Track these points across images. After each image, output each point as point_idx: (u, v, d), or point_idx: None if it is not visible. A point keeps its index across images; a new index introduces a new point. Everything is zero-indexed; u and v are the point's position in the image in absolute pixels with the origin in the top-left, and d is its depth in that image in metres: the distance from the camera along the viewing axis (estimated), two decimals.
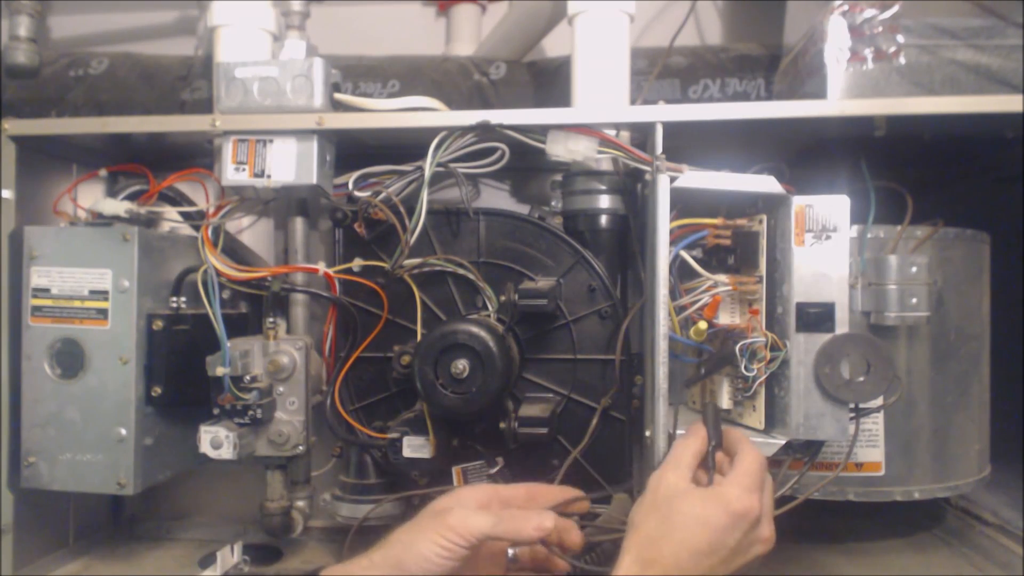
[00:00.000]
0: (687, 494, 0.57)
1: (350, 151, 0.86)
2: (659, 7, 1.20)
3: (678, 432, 0.68)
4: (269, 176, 0.80)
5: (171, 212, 0.92)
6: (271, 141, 0.80)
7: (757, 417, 0.71)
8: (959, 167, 1.02)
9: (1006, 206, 0.98)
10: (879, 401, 0.70)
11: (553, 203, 0.89)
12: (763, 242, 0.70)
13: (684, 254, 0.72)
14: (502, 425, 0.78)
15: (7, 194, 0.82)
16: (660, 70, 0.95)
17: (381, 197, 0.81)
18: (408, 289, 0.83)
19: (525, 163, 0.87)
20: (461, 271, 0.83)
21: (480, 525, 0.56)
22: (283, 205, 0.91)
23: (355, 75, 0.98)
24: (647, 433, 0.72)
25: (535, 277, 0.84)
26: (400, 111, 0.82)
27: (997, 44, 0.76)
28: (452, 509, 0.58)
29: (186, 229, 0.93)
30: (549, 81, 0.99)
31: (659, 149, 0.74)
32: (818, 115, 0.75)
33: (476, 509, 0.59)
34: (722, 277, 0.71)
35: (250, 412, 0.79)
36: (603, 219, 0.85)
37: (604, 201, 0.85)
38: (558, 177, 0.90)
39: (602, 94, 0.82)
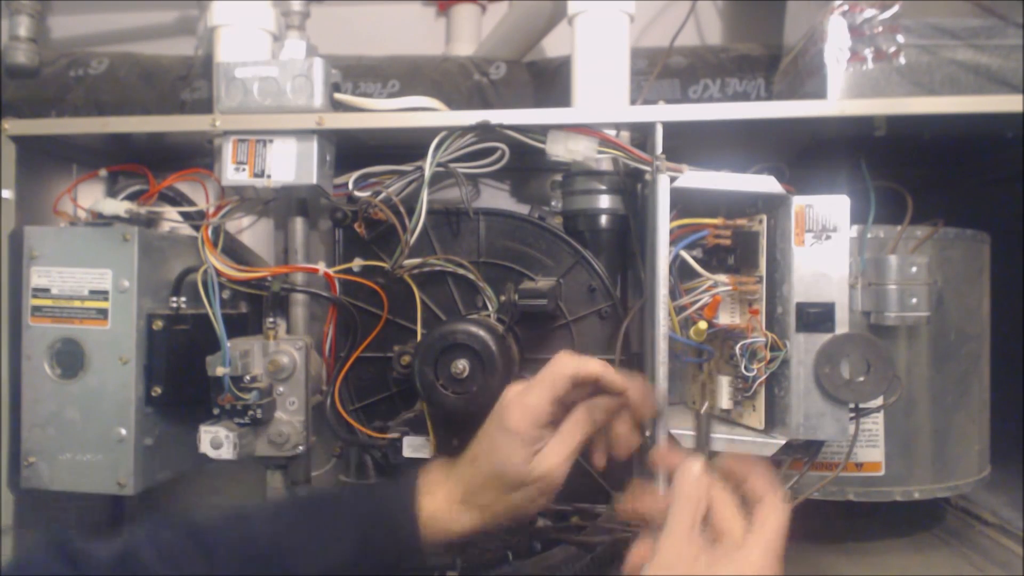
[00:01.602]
0: (715, 565, 0.53)
1: (350, 151, 0.85)
2: (659, 7, 1.20)
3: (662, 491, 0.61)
4: (269, 176, 0.80)
5: (171, 212, 0.92)
6: (271, 141, 0.80)
7: (757, 417, 0.71)
8: (959, 167, 1.02)
9: (1006, 206, 0.98)
10: (879, 401, 0.70)
11: (553, 203, 0.89)
12: (763, 242, 0.70)
13: (684, 254, 0.71)
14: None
15: (7, 194, 0.82)
16: (660, 70, 0.95)
17: (381, 197, 0.81)
18: (408, 289, 0.83)
19: (525, 163, 0.87)
20: (461, 271, 0.83)
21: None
22: (283, 205, 0.91)
23: (355, 75, 0.98)
24: (647, 433, 0.72)
25: (535, 277, 0.84)
26: (400, 111, 0.82)
27: (997, 44, 0.76)
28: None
29: (186, 229, 0.93)
30: (549, 81, 0.99)
31: (659, 149, 0.74)
32: (818, 115, 0.75)
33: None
34: (722, 277, 0.71)
35: (250, 412, 0.79)
36: (603, 219, 0.85)
37: (604, 201, 0.84)
38: (558, 177, 0.90)
39: (602, 94, 0.82)
